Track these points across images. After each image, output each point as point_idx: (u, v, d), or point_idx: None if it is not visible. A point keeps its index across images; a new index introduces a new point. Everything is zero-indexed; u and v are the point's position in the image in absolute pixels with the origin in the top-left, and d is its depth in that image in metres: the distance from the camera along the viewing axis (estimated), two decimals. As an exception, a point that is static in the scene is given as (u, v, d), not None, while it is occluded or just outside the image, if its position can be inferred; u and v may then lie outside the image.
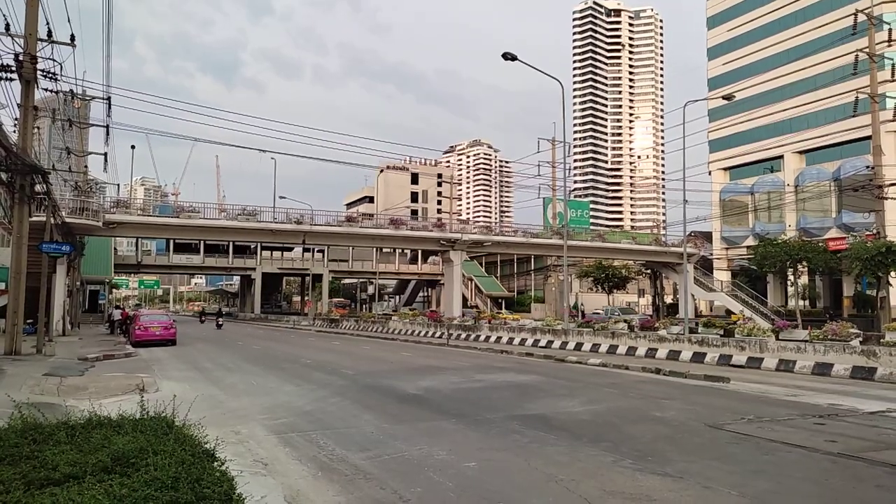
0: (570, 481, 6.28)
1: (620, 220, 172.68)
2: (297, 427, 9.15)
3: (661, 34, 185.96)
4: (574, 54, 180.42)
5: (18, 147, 17.82)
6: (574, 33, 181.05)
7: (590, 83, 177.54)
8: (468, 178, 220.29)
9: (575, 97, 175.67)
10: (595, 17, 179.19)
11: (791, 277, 42.66)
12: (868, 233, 36.48)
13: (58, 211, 27.71)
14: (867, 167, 34.82)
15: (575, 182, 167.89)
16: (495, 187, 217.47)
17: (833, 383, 14.36)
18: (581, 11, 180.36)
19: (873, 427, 9.22)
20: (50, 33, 19.12)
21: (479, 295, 69.82)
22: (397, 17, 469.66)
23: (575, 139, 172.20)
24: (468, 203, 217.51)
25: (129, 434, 5.25)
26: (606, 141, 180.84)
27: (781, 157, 56.50)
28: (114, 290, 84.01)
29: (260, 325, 56.92)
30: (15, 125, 20.78)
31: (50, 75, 19.64)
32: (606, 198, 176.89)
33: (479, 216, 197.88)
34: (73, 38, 20.16)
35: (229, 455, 5.79)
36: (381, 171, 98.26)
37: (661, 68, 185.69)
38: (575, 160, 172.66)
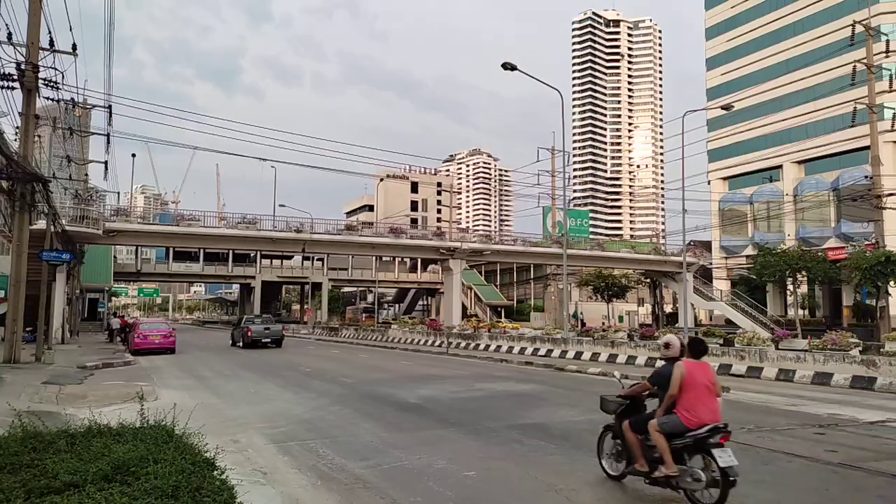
0: (569, 491, 6.28)
1: (620, 229, 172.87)
2: (296, 436, 9.14)
3: (660, 44, 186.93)
4: (573, 64, 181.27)
5: (19, 155, 17.86)
6: (573, 43, 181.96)
7: (589, 92, 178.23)
8: (468, 186, 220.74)
9: (574, 106, 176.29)
10: (594, 28, 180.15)
11: (790, 287, 42.68)
12: (867, 242, 36.57)
13: (58, 219, 27.71)
14: (866, 177, 34.91)
15: (574, 191, 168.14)
16: (495, 196, 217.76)
17: (833, 393, 14.35)
18: (580, 22, 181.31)
19: (874, 437, 9.22)
20: (52, 42, 19.19)
21: (479, 303, 69.78)
22: (395, 24, 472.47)
23: (574, 148, 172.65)
24: (468, 212, 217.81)
25: (129, 443, 5.26)
26: (606, 150, 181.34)
27: (780, 166, 56.70)
28: (113, 299, 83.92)
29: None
30: (16, 134, 20.85)
31: (51, 84, 19.69)
32: (606, 207, 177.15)
33: (478, 225, 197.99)
34: (74, 47, 20.24)
35: (229, 464, 5.78)
36: (381, 179, 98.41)
37: (660, 78, 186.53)
38: (574, 169, 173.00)
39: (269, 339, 32.79)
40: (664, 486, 5.99)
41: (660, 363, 6.73)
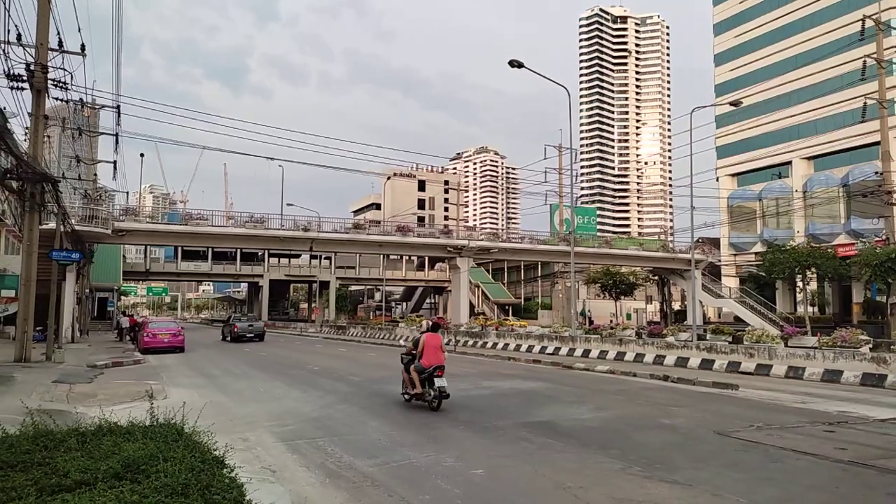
0: (578, 489, 6.27)
1: (627, 226, 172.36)
2: (304, 434, 9.17)
3: (668, 40, 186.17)
4: (580, 60, 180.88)
5: (29, 156, 17.98)
6: (580, 40, 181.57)
7: (596, 89, 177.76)
8: (475, 184, 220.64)
9: (581, 103, 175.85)
10: (601, 24, 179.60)
11: (800, 284, 42.46)
12: (877, 239, 36.31)
13: (67, 219, 27.89)
14: (876, 173, 34.68)
15: (582, 188, 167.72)
16: (502, 194, 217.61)
17: (843, 390, 14.26)
18: (587, 18, 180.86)
19: (884, 434, 9.16)
20: (61, 43, 19.30)
21: (486, 301, 69.77)
22: (402, 22, 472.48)
23: (582, 145, 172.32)
24: (475, 210, 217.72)
25: (139, 441, 5.30)
26: (613, 147, 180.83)
27: (789, 162, 56.35)
28: (122, 298, 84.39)
29: (267, 332, 56.92)
30: (26, 134, 20.99)
31: (60, 84, 19.81)
32: (613, 204, 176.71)
33: (485, 223, 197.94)
34: (83, 47, 20.36)
35: (238, 462, 5.81)
36: (388, 178, 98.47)
37: (668, 74, 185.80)
38: (582, 166, 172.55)
39: (252, 335, 37.33)
40: (419, 400, 11.41)
41: (418, 334, 12.72)
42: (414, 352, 11.68)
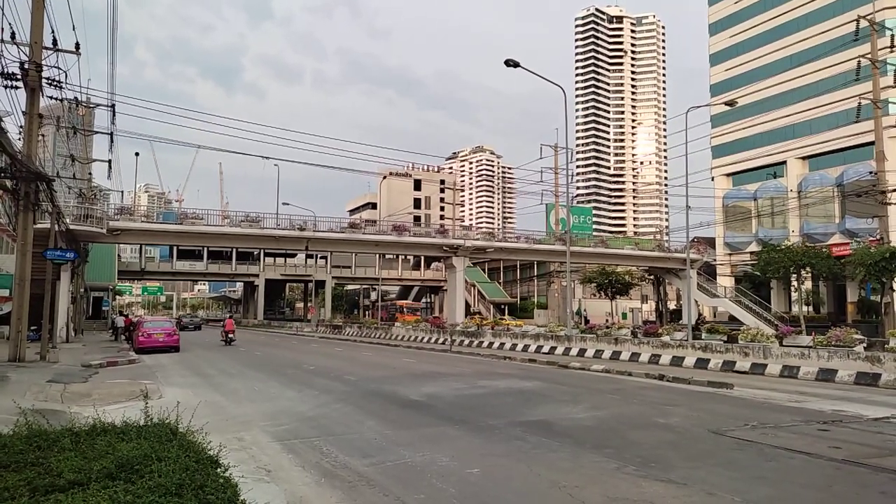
0: (573, 488, 6.28)
1: (623, 226, 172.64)
2: (299, 433, 9.16)
3: (664, 40, 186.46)
4: (576, 60, 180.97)
5: (23, 154, 17.90)
6: (576, 39, 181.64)
7: (592, 89, 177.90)
8: (471, 184, 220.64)
9: (577, 103, 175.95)
10: (597, 24, 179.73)
11: (795, 283, 42.60)
12: (872, 238, 36.39)
13: (62, 218, 27.78)
14: (870, 172, 34.79)
15: (578, 188, 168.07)
16: (498, 193, 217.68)
17: (837, 389, 14.31)
18: (583, 18, 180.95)
19: (878, 433, 9.19)
20: (55, 41, 19.24)
21: (482, 301, 69.77)
22: (396, 21, 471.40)
23: (577, 145, 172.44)
24: (471, 209, 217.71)
25: (133, 441, 5.28)
26: (609, 147, 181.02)
27: (784, 162, 56.52)
28: (117, 297, 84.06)
29: (263, 332, 56.97)
30: (20, 133, 20.88)
31: (55, 83, 19.74)
32: (609, 204, 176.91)
33: (481, 222, 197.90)
34: (77, 46, 20.31)
35: (232, 461, 5.80)
36: (384, 177, 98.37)
37: (664, 74, 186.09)
38: (578, 166, 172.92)
39: (192, 326, 58.63)
40: (226, 343, 32.40)
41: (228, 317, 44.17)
42: (224, 327, 32.65)
